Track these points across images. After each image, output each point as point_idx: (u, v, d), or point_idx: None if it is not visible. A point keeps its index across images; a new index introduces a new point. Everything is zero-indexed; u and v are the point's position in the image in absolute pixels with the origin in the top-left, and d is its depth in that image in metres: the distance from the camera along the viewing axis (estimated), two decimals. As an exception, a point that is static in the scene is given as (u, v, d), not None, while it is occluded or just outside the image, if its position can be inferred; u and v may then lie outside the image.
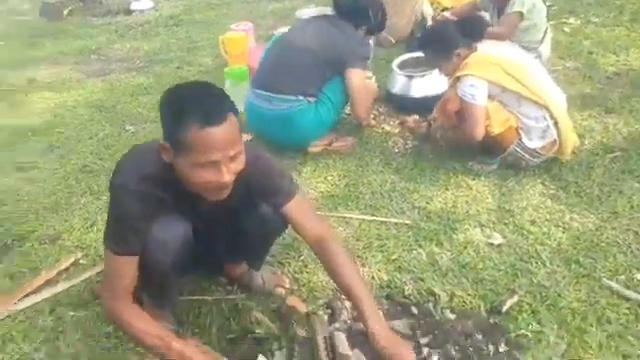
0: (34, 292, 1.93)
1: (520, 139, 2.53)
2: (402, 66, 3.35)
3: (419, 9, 4.45)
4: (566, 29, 4.31)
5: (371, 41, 3.09)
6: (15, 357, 1.72)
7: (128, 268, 1.44)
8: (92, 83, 4.13)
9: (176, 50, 4.79)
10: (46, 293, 1.92)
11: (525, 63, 2.54)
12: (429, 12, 4.55)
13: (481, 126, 2.46)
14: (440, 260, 2.07)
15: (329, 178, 2.67)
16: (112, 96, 3.85)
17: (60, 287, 1.93)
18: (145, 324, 1.43)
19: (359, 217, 2.34)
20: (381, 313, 1.47)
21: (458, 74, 2.50)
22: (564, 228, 2.20)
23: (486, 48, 2.55)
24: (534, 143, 2.53)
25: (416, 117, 3.10)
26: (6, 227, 2.37)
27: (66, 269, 2.07)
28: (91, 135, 3.25)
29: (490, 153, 2.65)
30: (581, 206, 2.32)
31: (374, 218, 2.33)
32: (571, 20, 4.41)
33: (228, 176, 1.33)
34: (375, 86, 3.09)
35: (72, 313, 1.84)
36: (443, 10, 4.52)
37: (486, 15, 3.63)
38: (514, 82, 2.43)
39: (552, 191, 2.44)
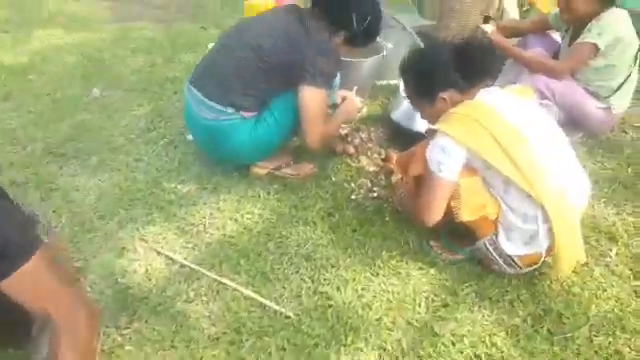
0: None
1: (496, 235, 1.80)
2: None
3: (497, 5, 3.58)
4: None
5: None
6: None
7: None
8: (109, 29, 3.84)
9: (223, 2, 4.36)
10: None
11: (529, 129, 1.73)
12: (512, 12, 3.66)
13: (437, 210, 1.77)
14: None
15: (246, 217, 2.13)
16: (116, 48, 3.53)
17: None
18: None
19: (237, 288, 1.81)
20: None
21: (435, 126, 1.79)
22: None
23: (486, 97, 1.79)
24: (513, 248, 1.78)
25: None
26: None
27: None
28: (50, 91, 2.96)
29: (457, 238, 1.95)
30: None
31: (254, 296, 1.78)
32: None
33: None
34: (355, 106, 2.41)
35: None
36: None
37: (557, 36, 2.75)
38: (503, 158, 1.67)
39: (515, 322, 1.72)
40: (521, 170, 1.66)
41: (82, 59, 3.30)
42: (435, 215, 1.77)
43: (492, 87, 1.86)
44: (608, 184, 2.41)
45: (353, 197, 2.26)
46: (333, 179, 2.37)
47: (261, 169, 2.34)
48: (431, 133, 1.83)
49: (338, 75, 2.31)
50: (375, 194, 2.28)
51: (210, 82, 2.09)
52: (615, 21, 2.34)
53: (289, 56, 2.01)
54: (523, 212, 1.72)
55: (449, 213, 1.78)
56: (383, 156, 2.52)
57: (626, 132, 2.77)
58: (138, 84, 3.09)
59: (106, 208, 2.14)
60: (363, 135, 2.67)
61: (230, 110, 2.06)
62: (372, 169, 2.44)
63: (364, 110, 2.75)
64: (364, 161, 2.49)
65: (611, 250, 2.04)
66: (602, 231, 2.14)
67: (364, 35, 2.12)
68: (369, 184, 2.34)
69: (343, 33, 2.10)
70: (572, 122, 2.60)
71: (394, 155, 2.47)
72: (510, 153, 1.66)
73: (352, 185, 2.33)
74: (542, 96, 2.46)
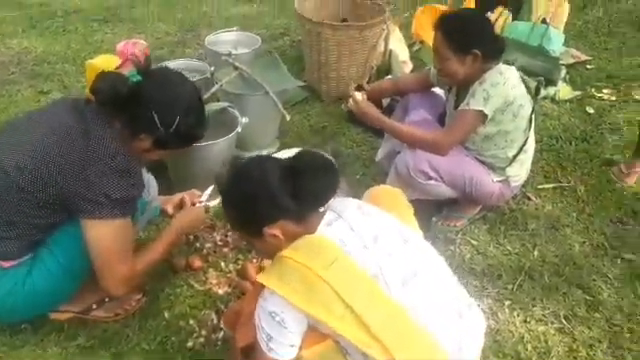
0: None
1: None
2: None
3: (382, 50, 3.14)
4: (590, 109, 2.98)
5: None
6: None
7: None
8: None
9: (71, 59, 3.68)
10: None
11: (393, 273, 1.23)
12: (402, 54, 3.24)
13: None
14: None
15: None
16: None
17: None
18: None
19: None
20: None
21: (261, 279, 1.25)
22: None
23: (333, 226, 1.28)
24: None
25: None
26: None
27: None
28: None
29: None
30: None
31: None
32: (605, 92, 3.03)
33: None
34: (200, 217, 1.86)
35: None
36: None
37: (441, 93, 2.32)
38: (354, 326, 1.16)
39: None
40: (380, 340, 1.16)
41: None
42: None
43: (343, 201, 1.36)
44: (513, 277, 2.00)
45: (190, 344, 1.68)
46: (166, 315, 1.78)
47: (62, 315, 1.72)
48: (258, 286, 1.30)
49: (152, 185, 1.74)
50: (222, 334, 1.72)
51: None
52: (502, 82, 1.92)
53: (58, 183, 1.42)
54: (394, 390, 1.21)
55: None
56: (241, 266, 1.96)
57: (529, 199, 2.38)
58: None
59: None
60: (218, 237, 2.10)
61: (-21, 261, 1.44)
62: (222, 291, 1.88)
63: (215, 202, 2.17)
64: (214, 278, 1.93)
65: (519, 389, 1.59)
66: (508, 354, 1.69)
67: (177, 138, 1.56)
68: (214, 319, 1.77)
69: (146, 136, 1.54)
70: (467, 200, 2.17)
71: (253, 269, 1.92)
72: (364, 318, 1.16)
73: (191, 323, 1.75)
74: (426, 177, 2.00)
